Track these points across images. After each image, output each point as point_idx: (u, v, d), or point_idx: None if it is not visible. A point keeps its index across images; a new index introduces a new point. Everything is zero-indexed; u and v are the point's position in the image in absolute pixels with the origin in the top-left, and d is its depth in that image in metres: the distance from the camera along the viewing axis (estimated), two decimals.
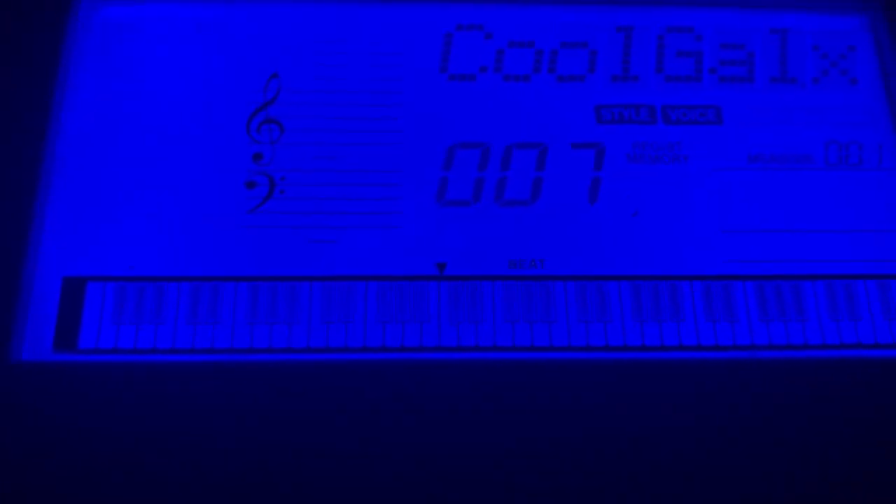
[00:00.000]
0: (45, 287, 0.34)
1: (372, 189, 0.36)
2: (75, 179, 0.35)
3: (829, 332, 0.34)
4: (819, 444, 0.33)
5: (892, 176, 0.37)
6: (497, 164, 0.36)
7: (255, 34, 0.38)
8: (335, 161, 0.36)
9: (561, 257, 0.35)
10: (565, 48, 0.38)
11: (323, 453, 0.32)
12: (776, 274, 0.35)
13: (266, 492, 0.31)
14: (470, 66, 0.38)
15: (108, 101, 0.37)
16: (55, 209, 0.35)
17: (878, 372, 0.34)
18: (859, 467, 0.33)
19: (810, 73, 0.39)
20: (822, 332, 0.34)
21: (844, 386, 0.34)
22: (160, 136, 0.36)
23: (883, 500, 0.33)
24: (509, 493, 0.32)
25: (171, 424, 0.32)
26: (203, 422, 0.32)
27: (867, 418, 0.33)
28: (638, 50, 0.38)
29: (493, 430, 0.32)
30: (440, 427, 0.32)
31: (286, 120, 0.37)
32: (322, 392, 0.33)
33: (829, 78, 0.39)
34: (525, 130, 0.37)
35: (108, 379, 0.32)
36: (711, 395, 0.33)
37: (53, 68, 0.37)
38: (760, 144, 0.37)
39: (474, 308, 0.34)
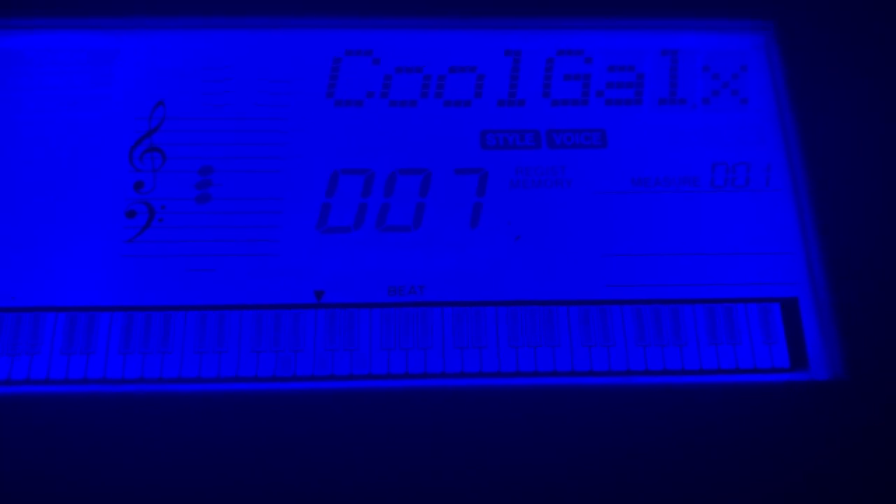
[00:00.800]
0: None
1: (253, 217, 0.36)
2: None
3: (708, 357, 0.34)
4: (695, 472, 0.33)
5: (779, 196, 0.37)
6: (381, 190, 0.36)
7: (143, 62, 0.38)
8: (217, 188, 0.36)
9: (441, 283, 0.35)
10: (453, 73, 0.38)
11: (192, 481, 0.32)
12: (656, 298, 0.35)
13: None
14: (357, 92, 0.38)
15: None
16: None
17: (757, 397, 0.34)
18: (736, 493, 0.33)
19: (700, 94, 0.39)
20: (699, 357, 0.34)
21: (723, 411, 0.34)
22: (44, 164, 0.36)
23: None
24: None
25: (41, 455, 0.32)
26: (75, 452, 0.32)
27: (746, 444, 0.33)
28: (526, 74, 0.38)
29: (366, 458, 0.32)
30: (309, 457, 0.32)
31: (169, 147, 0.37)
32: (191, 422, 0.33)
33: (719, 98, 0.39)
34: (410, 156, 0.37)
35: None
36: (582, 421, 0.33)
37: None
38: (645, 167, 0.37)
39: (350, 336, 0.34)
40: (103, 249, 0.35)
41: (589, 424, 0.33)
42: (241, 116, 0.37)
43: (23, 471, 0.32)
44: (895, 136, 0.37)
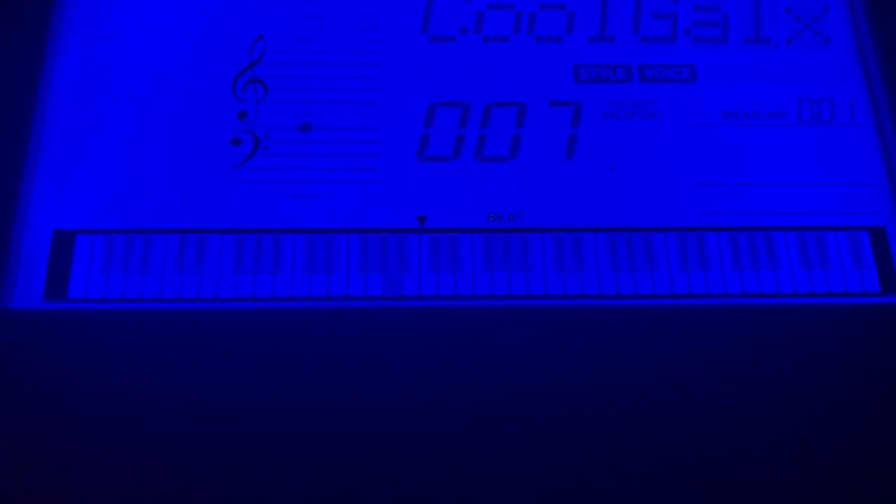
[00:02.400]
0: (36, 239, 0.35)
1: (353, 146, 0.37)
2: (66, 137, 0.36)
3: (801, 281, 0.35)
4: (793, 389, 0.34)
5: (863, 131, 0.38)
6: (477, 121, 0.37)
7: None
8: (318, 119, 0.37)
9: (539, 211, 0.36)
10: (544, 10, 0.39)
11: (308, 399, 0.33)
12: (749, 225, 0.36)
13: (255, 437, 0.32)
14: (451, 28, 0.39)
15: (97, 61, 0.38)
16: (46, 165, 0.36)
17: (850, 319, 0.35)
18: (833, 412, 0.34)
19: (784, 34, 0.40)
20: (793, 280, 0.35)
21: (817, 332, 0.35)
22: (148, 95, 0.37)
23: (855, 445, 0.33)
24: (492, 438, 0.33)
25: (158, 370, 0.33)
26: (190, 367, 0.33)
27: (839, 363, 0.34)
28: (615, 11, 0.39)
29: (473, 374, 0.33)
30: (422, 372, 0.33)
31: (270, 80, 0.38)
32: (305, 339, 0.34)
33: (802, 39, 0.40)
34: (504, 89, 0.38)
35: (97, 326, 0.33)
36: (685, 340, 0.34)
37: (44, 31, 0.38)
38: (734, 101, 0.38)
39: (454, 259, 0.35)
40: (211, 175, 0.36)
41: (688, 343, 0.34)
42: (338, 50, 0.38)
43: (140, 385, 0.33)
44: None
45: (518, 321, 0.34)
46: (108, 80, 0.37)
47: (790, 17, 0.40)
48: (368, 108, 0.37)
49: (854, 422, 0.34)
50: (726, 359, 0.34)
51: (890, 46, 0.39)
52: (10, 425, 0.32)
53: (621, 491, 0.32)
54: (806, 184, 0.37)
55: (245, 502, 0.32)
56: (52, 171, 0.36)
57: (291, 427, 0.33)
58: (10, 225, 0.35)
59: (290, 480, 0.32)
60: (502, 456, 0.32)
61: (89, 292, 0.34)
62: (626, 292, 0.35)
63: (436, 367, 0.33)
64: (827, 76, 0.39)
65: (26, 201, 0.35)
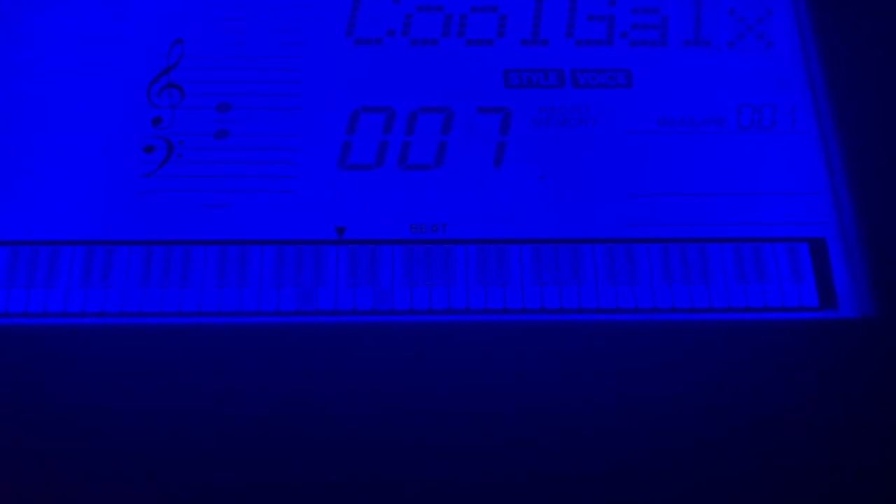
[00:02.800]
0: None
1: (271, 153, 0.35)
2: None
3: (736, 295, 0.34)
4: (724, 408, 0.32)
5: (805, 139, 0.36)
6: (402, 128, 0.36)
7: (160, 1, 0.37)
8: (235, 125, 0.36)
9: (463, 221, 0.35)
10: (475, 13, 0.38)
11: (213, 416, 0.31)
12: (682, 237, 0.34)
13: (164, 451, 0.31)
14: (377, 30, 0.38)
15: (5, 64, 0.36)
16: None
17: (786, 335, 0.33)
18: (767, 432, 0.32)
19: (725, 37, 0.38)
20: (727, 295, 0.34)
21: (751, 349, 0.33)
22: (60, 101, 0.36)
23: (789, 466, 0.32)
24: (411, 452, 0.31)
25: (61, 387, 0.32)
26: (94, 383, 0.32)
27: (774, 380, 0.33)
28: (548, 14, 0.38)
29: (391, 391, 0.32)
30: (336, 390, 0.32)
31: (187, 84, 0.36)
32: (214, 355, 0.32)
33: (744, 41, 0.38)
34: (431, 95, 0.37)
35: None
36: (610, 356, 0.33)
37: None
38: (671, 108, 0.37)
39: (373, 272, 0.34)
40: (121, 184, 0.35)
41: (614, 361, 0.33)
42: (260, 55, 0.37)
43: (35, 403, 0.31)
44: None
45: (438, 336, 0.33)
46: (15, 82, 0.36)
47: (733, 19, 0.38)
48: (289, 115, 0.36)
49: (788, 442, 0.32)
50: (655, 376, 0.33)
51: (833, 51, 0.37)
52: None
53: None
54: (744, 193, 0.35)
55: None
56: None
57: (199, 444, 0.31)
58: None
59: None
60: (434, 470, 0.31)
61: None
62: (551, 306, 0.33)
63: (352, 384, 0.32)
64: (769, 81, 0.37)
65: None
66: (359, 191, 0.35)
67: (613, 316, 0.33)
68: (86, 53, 0.37)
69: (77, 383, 0.32)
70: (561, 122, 0.36)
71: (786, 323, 0.34)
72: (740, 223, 0.35)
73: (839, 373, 0.33)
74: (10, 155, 0.35)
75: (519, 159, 0.35)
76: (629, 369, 0.33)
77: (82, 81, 0.36)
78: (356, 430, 0.31)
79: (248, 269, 0.33)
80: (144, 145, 0.35)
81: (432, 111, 0.36)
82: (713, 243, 0.34)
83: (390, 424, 0.31)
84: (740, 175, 0.36)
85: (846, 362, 0.33)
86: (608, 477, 0.31)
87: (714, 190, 0.35)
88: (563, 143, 0.36)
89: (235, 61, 0.37)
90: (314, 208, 0.34)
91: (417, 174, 0.35)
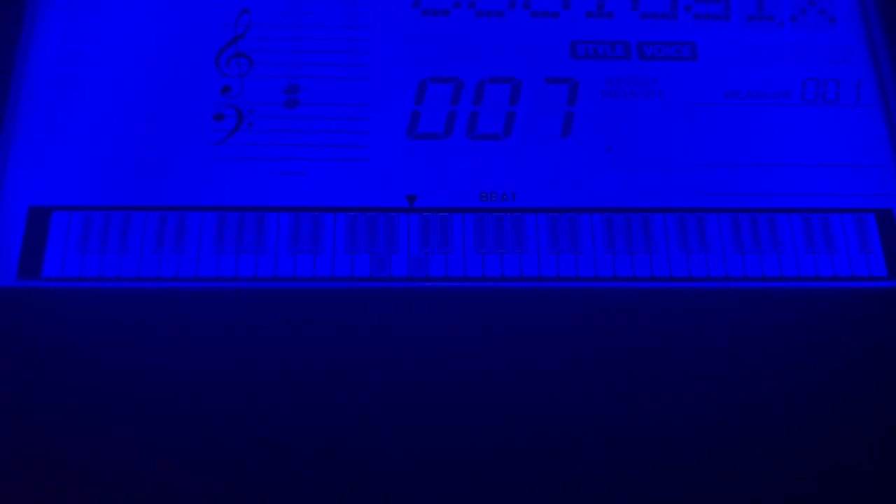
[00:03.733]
0: (10, 216, 0.33)
1: (341, 122, 0.35)
2: (42, 111, 0.35)
3: (805, 264, 0.34)
4: (798, 376, 0.32)
5: (870, 112, 0.36)
6: (469, 98, 0.36)
7: None
8: (304, 94, 0.36)
9: (533, 190, 0.35)
10: None
11: (293, 382, 0.31)
12: (751, 207, 0.35)
13: (237, 420, 0.31)
14: (443, 2, 0.38)
15: (75, 33, 0.36)
16: (21, 140, 0.34)
17: (856, 303, 0.34)
18: (839, 399, 0.32)
19: (788, 12, 0.38)
20: (797, 264, 0.34)
21: (822, 317, 0.33)
22: (128, 69, 0.36)
23: (859, 434, 0.32)
24: (486, 422, 0.31)
25: (136, 352, 0.32)
26: (170, 349, 0.32)
27: (845, 349, 0.33)
28: None
29: (466, 359, 0.32)
30: (411, 356, 0.32)
31: (255, 54, 0.36)
32: (290, 321, 0.32)
33: (806, 16, 0.38)
34: (499, 65, 0.37)
35: (72, 305, 0.32)
36: (685, 324, 0.33)
37: (21, 2, 0.36)
38: (736, 80, 0.37)
39: (445, 239, 0.34)
40: (192, 151, 0.35)
41: (688, 327, 0.33)
42: (327, 24, 0.37)
43: (118, 364, 0.31)
44: None
45: (511, 304, 0.33)
46: (86, 53, 0.36)
47: None
48: (357, 84, 0.36)
49: (859, 409, 0.32)
50: (728, 344, 0.33)
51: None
52: None
53: (623, 477, 0.31)
54: (810, 165, 0.35)
55: (229, 485, 0.30)
56: (28, 147, 0.34)
57: (275, 411, 0.31)
58: None
59: (274, 463, 0.30)
60: (497, 439, 0.31)
61: (64, 271, 0.33)
62: (623, 275, 0.33)
63: (426, 351, 0.32)
64: (832, 55, 0.37)
65: (0, 177, 0.34)
66: (428, 160, 0.35)
67: (686, 284, 0.33)
68: (153, 22, 0.37)
69: (150, 348, 0.32)
70: (628, 93, 0.36)
71: (855, 292, 0.34)
72: (808, 194, 0.35)
73: None
74: (83, 123, 0.35)
75: (586, 130, 0.36)
76: (702, 335, 0.33)
77: (152, 50, 0.36)
78: (432, 393, 0.31)
79: (322, 236, 0.33)
80: (215, 113, 0.35)
81: (500, 81, 0.36)
82: (782, 213, 0.34)
83: (466, 389, 0.32)
84: (806, 147, 0.36)
85: None
86: (698, 434, 0.31)
87: (781, 161, 0.35)
88: (630, 114, 0.36)
89: (302, 30, 0.37)
90: (385, 177, 0.34)
91: (486, 143, 0.35)
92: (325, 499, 0.30)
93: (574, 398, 0.32)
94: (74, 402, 0.31)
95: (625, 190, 0.35)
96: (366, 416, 0.31)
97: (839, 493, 0.31)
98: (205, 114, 0.35)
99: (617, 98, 0.36)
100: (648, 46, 0.37)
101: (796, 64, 0.37)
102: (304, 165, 0.34)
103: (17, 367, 0.31)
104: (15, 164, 0.34)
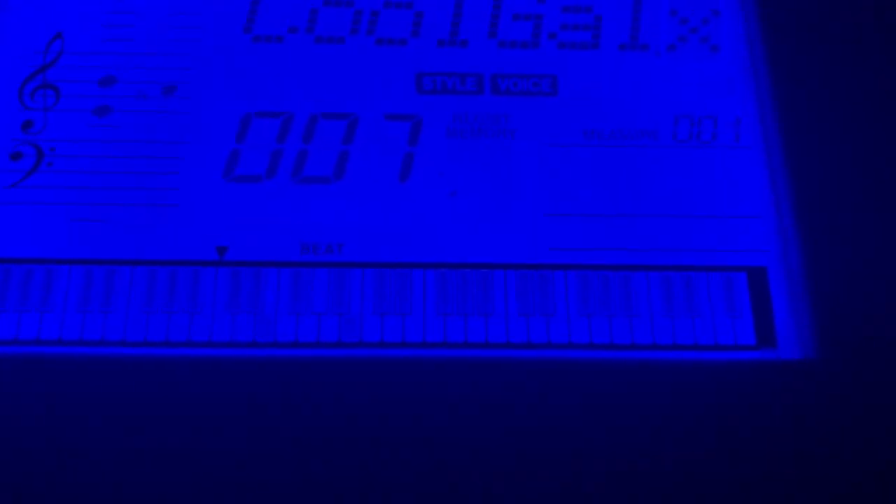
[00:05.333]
0: None
1: (152, 162, 0.32)
2: None
3: (662, 330, 0.30)
4: (645, 457, 0.29)
5: (749, 154, 0.33)
6: (299, 135, 0.32)
7: None
8: (114, 130, 0.32)
9: (363, 241, 0.31)
10: (388, 8, 0.34)
11: (71, 449, 0.28)
12: (605, 264, 0.31)
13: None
14: (279, 27, 0.34)
15: None
16: None
17: (718, 375, 0.30)
18: (691, 480, 0.28)
19: (666, 40, 0.34)
20: (653, 330, 0.30)
21: (678, 391, 0.30)
22: None
23: None
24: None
25: None
26: None
27: (701, 427, 0.29)
28: (470, 12, 0.34)
29: (277, 428, 0.28)
30: (213, 427, 0.28)
31: (64, 85, 0.33)
32: (73, 390, 0.29)
33: (687, 45, 0.34)
34: (335, 99, 0.33)
35: None
36: (521, 395, 0.29)
37: None
38: (600, 118, 0.33)
39: (256, 298, 0.30)
40: None
41: (522, 401, 0.29)
42: (147, 52, 0.33)
43: None
44: (875, 91, 0.33)
45: (328, 373, 0.29)
46: None
47: (675, 20, 0.35)
48: (175, 119, 0.32)
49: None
50: (567, 417, 0.29)
51: (783, 57, 0.33)
52: None
53: None
54: (677, 216, 0.32)
55: None
56: None
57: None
58: None
59: None
60: None
61: None
62: (455, 339, 0.30)
63: (232, 423, 0.28)
64: (712, 88, 0.34)
65: None
66: (246, 205, 0.31)
67: (526, 352, 0.29)
68: None
69: None
70: (476, 132, 0.32)
71: (718, 363, 0.30)
72: (672, 249, 0.31)
73: (775, 420, 0.29)
74: None
75: (428, 173, 0.32)
76: (538, 410, 0.29)
77: None
78: (220, 463, 0.28)
79: (115, 293, 0.30)
80: (12, 151, 0.31)
81: (334, 117, 0.33)
82: (639, 271, 0.31)
83: (264, 455, 0.28)
84: (674, 195, 0.32)
85: (783, 409, 0.29)
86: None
87: (643, 211, 0.32)
88: (477, 155, 0.32)
89: (118, 58, 0.33)
90: (195, 224, 0.31)
91: (313, 187, 0.32)
92: None
93: (385, 466, 0.28)
94: None
95: (465, 243, 0.31)
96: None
97: None
98: (2, 152, 0.31)
99: (464, 138, 0.32)
100: (504, 79, 0.33)
101: (670, 99, 0.33)
102: (106, 211, 0.31)
103: None
104: None
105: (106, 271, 0.30)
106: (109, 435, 0.28)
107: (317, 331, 0.30)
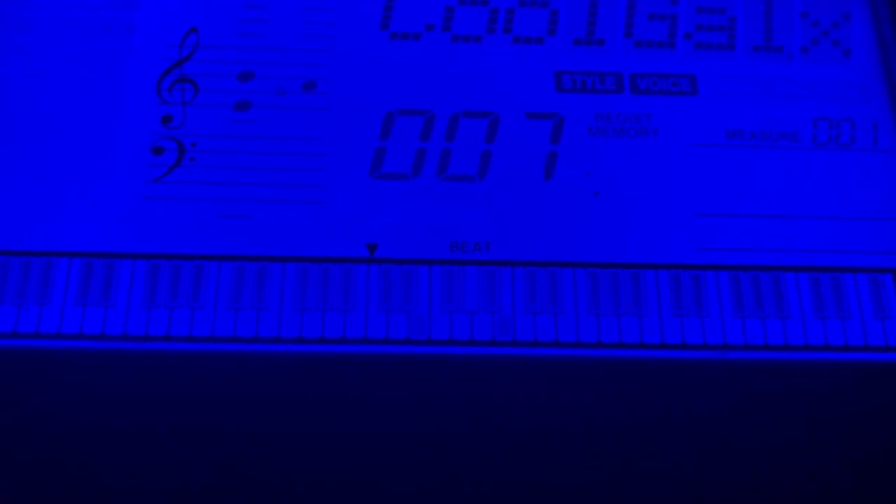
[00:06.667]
0: None
1: (296, 158, 0.31)
2: None
3: (814, 331, 0.30)
4: (802, 456, 0.29)
5: (888, 158, 0.33)
6: (441, 134, 0.32)
7: None
8: (255, 126, 0.32)
9: (509, 240, 0.31)
10: (523, 6, 0.34)
11: (219, 447, 0.28)
12: (754, 264, 0.31)
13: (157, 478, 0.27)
14: (415, 24, 0.34)
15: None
16: None
17: (866, 376, 0.30)
18: (847, 481, 0.28)
19: (798, 42, 0.34)
20: (805, 330, 0.30)
21: (830, 391, 0.29)
22: (58, 93, 0.32)
23: None
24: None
25: (46, 413, 0.28)
26: (93, 418, 0.28)
27: (856, 426, 0.29)
28: (605, 11, 0.34)
29: (430, 427, 0.28)
30: (366, 427, 0.28)
31: (202, 79, 0.32)
32: (224, 387, 0.28)
33: (819, 48, 0.34)
34: (475, 98, 0.33)
35: None
36: (676, 397, 0.29)
37: None
38: (740, 119, 0.33)
39: (408, 295, 0.30)
40: (126, 189, 0.31)
41: (679, 401, 0.29)
42: (284, 47, 0.33)
43: (24, 429, 0.27)
44: None
45: (481, 372, 0.29)
46: (10, 76, 0.32)
47: (806, 23, 0.35)
48: (316, 115, 0.32)
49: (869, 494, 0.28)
50: (724, 420, 0.29)
51: None
52: None
53: None
54: (821, 217, 0.32)
55: None
56: None
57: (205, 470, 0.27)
58: None
59: None
60: None
61: None
62: (609, 340, 0.29)
63: (382, 420, 0.28)
64: (847, 93, 0.34)
65: None
66: (393, 203, 0.31)
67: (680, 353, 0.29)
68: (90, 42, 0.32)
69: (70, 415, 0.28)
70: (619, 131, 0.32)
71: (867, 364, 0.30)
72: (818, 250, 0.31)
73: None
74: (3, 157, 0.31)
75: (571, 172, 0.32)
76: (697, 411, 0.29)
77: (85, 74, 0.32)
78: (388, 461, 0.28)
79: (268, 290, 0.29)
80: (153, 146, 0.31)
81: (476, 116, 0.32)
82: (789, 272, 0.31)
83: (424, 455, 0.28)
84: (817, 196, 0.32)
85: None
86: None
87: (789, 212, 0.32)
88: (620, 155, 0.32)
89: (255, 52, 0.33)
90: (343, 222, 0.30)
91: (458, 186, 0.31)
92: None
93: (551, 472, 0.28)
94: None
95: (613, 242, 0.31)
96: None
97: None
98: (142, 147, 0.31)
99: (606, 137, 0.32)
100: (643, 79, 0.33)
101: (807, 101, 0.33)
102: (252, 207, 0.30)
103: None
104: None
105: (257, 268, 0.30)
106: (260, 426, 0.28)
107: (470, 329, 0.29)
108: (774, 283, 0.31)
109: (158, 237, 0.30)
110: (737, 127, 0.33)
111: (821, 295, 0.31)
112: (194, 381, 0.28)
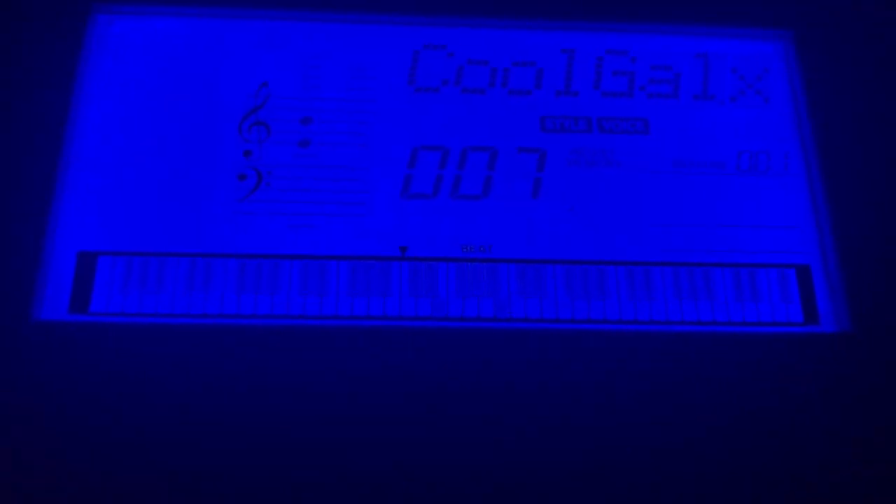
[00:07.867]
0: (62, 260, 0.40)
1: (345, 183, 0.42)
2: (89, 169, 0.41)
3: (735, 311, 0.40)
4: (719, 412, 0.39)
5: (796, 180, 0.43)
6: (454, 164, 0.43)
7: (250, 47, 0.44)
8: (314, 159, 0.42)
9: (506, 244, 0.41)
10: (516, 66, 0.45)
11: (300, 412, 0.38)
12: (691, 262, 0.41)
13: (252, 443, 0.37)
14: (434, 80, 0.44)
15: (120, 100, 0.43)
16: (72, 194, 0.41)
17: (776, 346, 0.40)
18: (761, 431, 0.39)
19: (728, 92, 0.45)
20: (728, 311, 0.40)
21: (746, 357, 0.40)
22: (165, 133, 0.42)
23: (772, 466, 0.38)
24: (458, 456, 0.37)
25: (168, 380, 0.38)
26: (197, 378, 0.38)
27: (766, 387, 0.39)
28: (579, 69, 0.45)
29: (444, 393, 0.38)
30: (400, 388, 0.38)
31: (273, 122, 0.43)
32: (298, 354, 0.38)
33: (744, 96, 0.45)
34: (479, 136, 0.43)
35: (115, 337, 0.38)
36: (628, 362, 0.39)
37: (72, 70, 0.43)
38: (683, 152, 0.43)
39: (431, 284, 0.40)
40: (220, 207, 0.41)
41: (629, 365, 0.39)
42: (334, 98, 0.44)
43: (152, 392, 0.37)
44: None
45: (486, 341, 0.39)
46: (129, 119, 0.42)
47: (735, 76, 0.45)
48: (359, 150, 0.42)
49: (770, 444, 0.38)
50: (662, 382, 0.39)
51: (821, 105, 0.44)
52: (34, 423, 0.37)
53: None
54: (743, 226, 0.42)
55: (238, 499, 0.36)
56: (77, 199, 0.41)
57: (285, 432, 0.37)
58: (40, 246, 0.39)
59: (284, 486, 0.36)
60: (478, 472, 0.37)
61: (109, 307, 0.39)
62: (580, 317, 0.40)
63: (411, 384, 0.38)
64: (765, 130, 0.44)
65: (54, 226, 0.40)
66: (418, 216, 0.41)
67: (632, 327, 0.40)
68: (187, 92, 0.43)
69: (182, 377, 0.38)
70: (590, 162, 0.43)
71: (775, 336, 0.40)
72: (739, 251, 0.42)
73: (820, 381, 0.39)
74: (125, 179, 0.41)
75: (553, 193, 0.42)
76: (642, 373, 0.39)
77: (184, 117, 0.42)
78: (417, 420, 0.38)
79: (327, 281, 0.40)
80: (238, 174, 0.42)
81: (480, 150, 0.43)
82: (716, 268, 0.41)
83: (439, 416, 0.38)
84: (740, 210, 0.42)
85: (826, 372, 0.39)
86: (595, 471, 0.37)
87: (718, 222, 0.42)
88: (591, 180, 0.42)
89: (313, 102, 0.43)
90: (381, 230, 0.41)
91: (467, 203, 0.42)
92: None
93: (530, 429, 0.38)
94: (114, 422, 0.37)
95: (584, 245, 0.41)
96: (367, 442, 0.37)
97: None
98: (230, 175, 0.42)
99: (580, 166, 0.43)
100: (607, 121, 0.44)
101: (733, 138, 0.44)
102: (313, 220, 0.41)
103: (67, 389, 0.37)
104: (66, 215, 0.40)
105: (319, 265, 0.40)
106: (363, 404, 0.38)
107: (477, 309, 0.40)
108: (705, 276, 0.41)
109: (245, 242, 0.40)
110: (680, 158, 0.43)
111: (741, 285, 0.41)
112: (273, 350, 0.39)
